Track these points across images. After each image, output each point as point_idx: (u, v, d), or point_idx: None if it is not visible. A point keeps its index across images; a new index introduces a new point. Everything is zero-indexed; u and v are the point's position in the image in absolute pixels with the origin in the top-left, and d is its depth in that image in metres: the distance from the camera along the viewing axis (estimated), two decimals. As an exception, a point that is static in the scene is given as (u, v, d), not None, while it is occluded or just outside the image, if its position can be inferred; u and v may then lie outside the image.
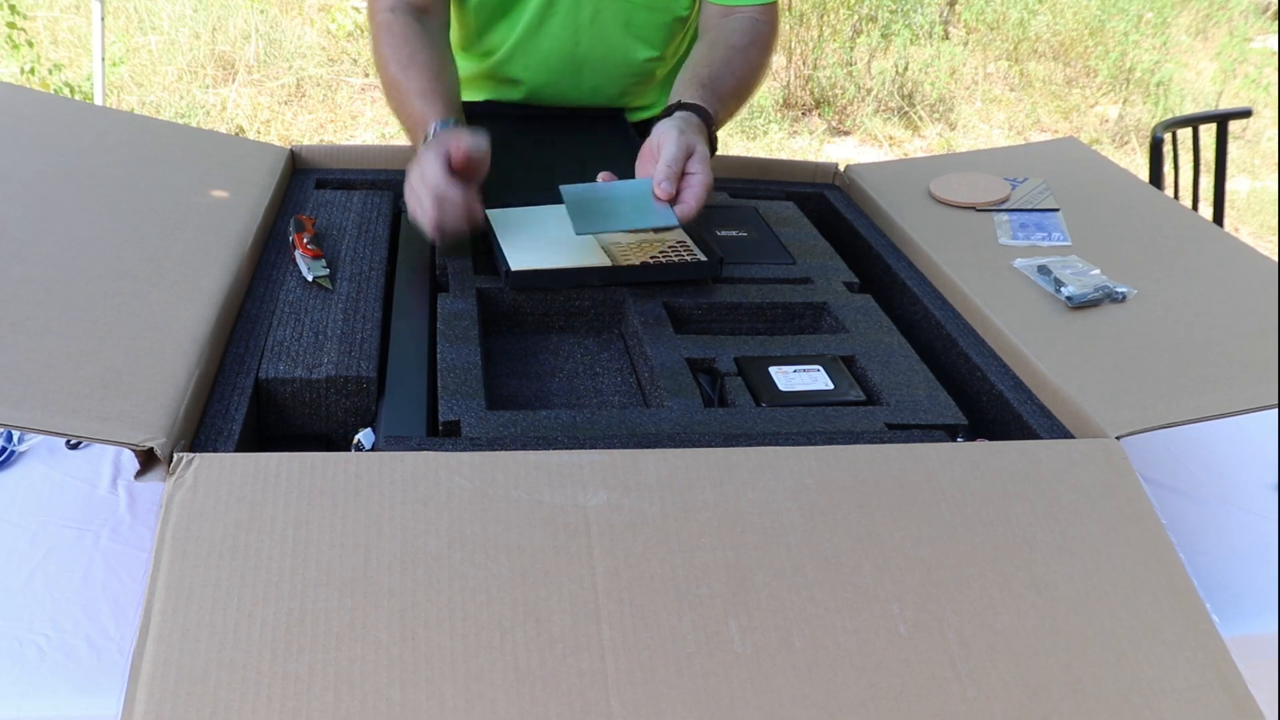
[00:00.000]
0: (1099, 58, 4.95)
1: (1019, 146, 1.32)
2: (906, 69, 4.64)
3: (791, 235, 1.07)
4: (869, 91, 4.59)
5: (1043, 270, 0.95)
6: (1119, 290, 0.91)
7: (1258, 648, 0.77)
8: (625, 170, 0.97)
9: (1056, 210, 1.10)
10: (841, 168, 1.27)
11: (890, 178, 1.20)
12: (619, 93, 1.22)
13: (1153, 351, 0.83)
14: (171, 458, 0.61)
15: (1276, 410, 0.79)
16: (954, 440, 0.75)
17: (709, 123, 0.99)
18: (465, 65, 1.22)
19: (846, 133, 4.49)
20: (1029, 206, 1.11)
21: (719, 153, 1.11)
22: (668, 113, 0.98)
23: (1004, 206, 1.11)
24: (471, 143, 0.91)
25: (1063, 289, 0.91)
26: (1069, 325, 0.88)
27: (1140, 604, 0.62)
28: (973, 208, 1.11)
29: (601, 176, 0.94)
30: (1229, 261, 0.99)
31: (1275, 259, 0.97)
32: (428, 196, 0.88)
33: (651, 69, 1.21)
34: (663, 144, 0.92)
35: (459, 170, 0.90)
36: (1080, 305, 0.89)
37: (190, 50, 4.06)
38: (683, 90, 1.03)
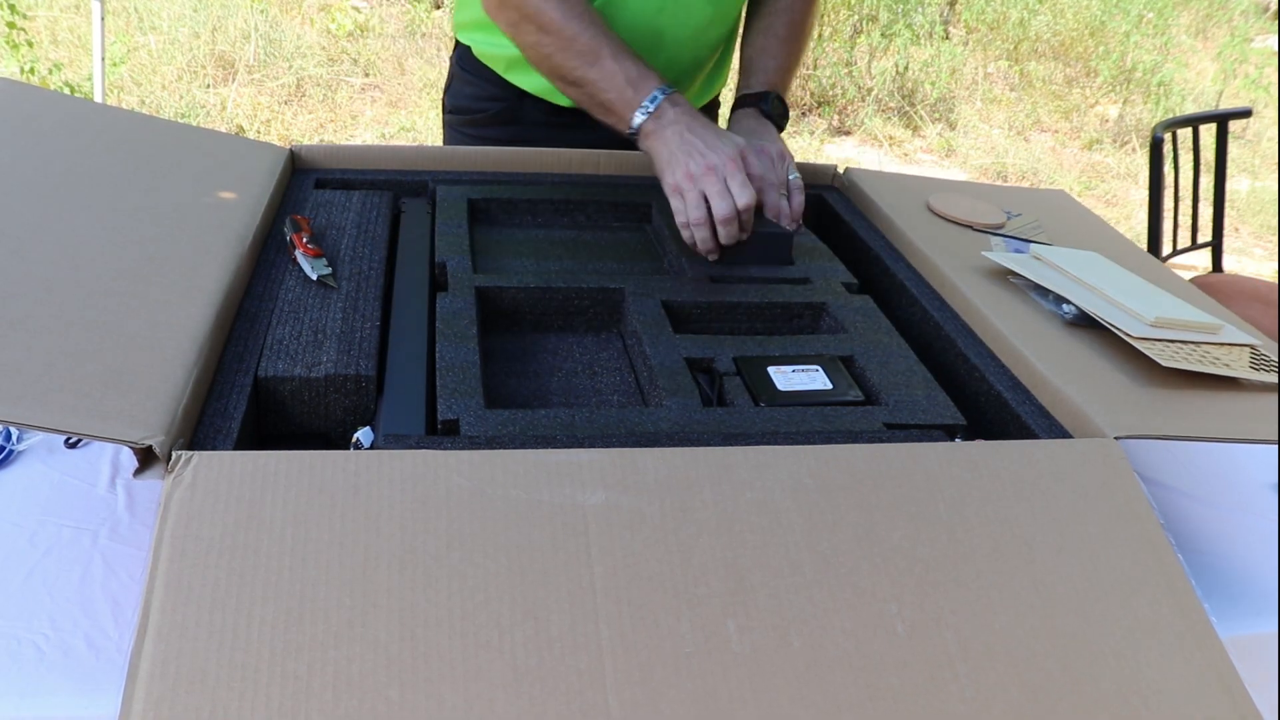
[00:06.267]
0: (1099, 58, 4.95)
1: (1010, 188, 1.32)
2: (907, 69, 4.64)
3: (791, 235, 1.07)
4: (869, 91, 4.59)
5: (1040, 289, 0.95)
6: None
7: (1258, 648, 0.77)
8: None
9: (1049, 246, 1.10)
10: (840, 169, 1.27)
11: (888, 187, 1.20)
12: (692, 65, 1.23)
13: (1148, 372, 0.83)
14: (170, 456, 0.61)
15: (1276, 424, 0.79)
16: (952, 440, 0.75)
17: (776, 103, 1.14)
18: None
19: (847, 132, 4.49)
20: (1024, 237, 1.11)
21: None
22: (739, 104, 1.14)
23: (1000, 232, 1.12)
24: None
25: (1063, 305, 0.91)
26: (1067, 336, 0.88)
27: (1139, 604, 0.62)
28: (970, 226, 1.12)
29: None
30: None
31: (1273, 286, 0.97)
32: (741, 191, 0.94)
33: (727, 41, 1.26)
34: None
35: None
36: (1077, 323, 0.90)
37: (190, 50, 4.06)
38: (746, 81, 1.19)
